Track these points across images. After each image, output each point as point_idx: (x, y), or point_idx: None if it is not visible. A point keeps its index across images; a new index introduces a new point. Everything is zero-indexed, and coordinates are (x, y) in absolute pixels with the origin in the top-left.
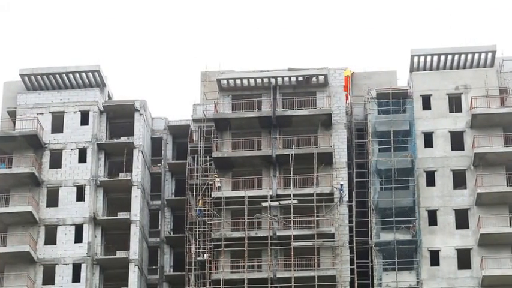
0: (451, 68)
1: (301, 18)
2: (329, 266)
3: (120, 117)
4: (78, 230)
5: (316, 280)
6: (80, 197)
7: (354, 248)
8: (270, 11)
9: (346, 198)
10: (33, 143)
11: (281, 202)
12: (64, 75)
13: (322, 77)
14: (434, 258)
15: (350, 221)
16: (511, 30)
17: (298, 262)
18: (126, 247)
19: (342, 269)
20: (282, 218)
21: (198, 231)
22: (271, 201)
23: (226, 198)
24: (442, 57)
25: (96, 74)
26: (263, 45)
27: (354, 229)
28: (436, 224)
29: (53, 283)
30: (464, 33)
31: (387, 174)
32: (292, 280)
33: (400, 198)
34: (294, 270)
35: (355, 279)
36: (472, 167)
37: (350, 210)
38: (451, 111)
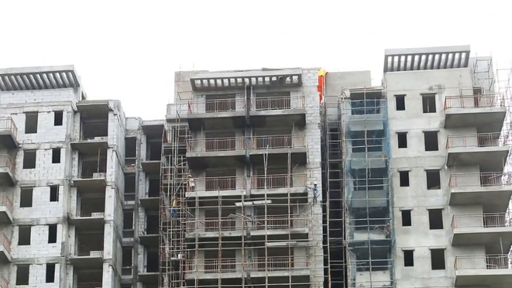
0: (425, 68)
1: (275, 19)
2: (303, 266)
3: (94, 117)
4: (52, 230)
5: (290, 280)
6: (54, 197)
7: (328, 248)
8: (243, 11)
9: (320, 198)
10: (7, 143)
11: (255, 202)
12: (38, 75)
13: (296, 77)
14: (408, 258)
15: (324, 221)
16: (484, 30)
17: (272, 262)
18: (100, 247)
19: (316, 269)
20: (256, 218)
21: (172, 231)
22: (245, 201)
23: (200, 198)
24: (416, 57)
25: (70, 74)
26: (237, 45)
27: (328, 229)
28: (410, 224)
29: (26, 283)
30: (438, 34)
31: (361, 174)
32: (266, 280)
33: (374, 198)
34: (268, 270)
35: (329, 279)
36: (445, 167)
37: (324, 210)
38: (424, 111)
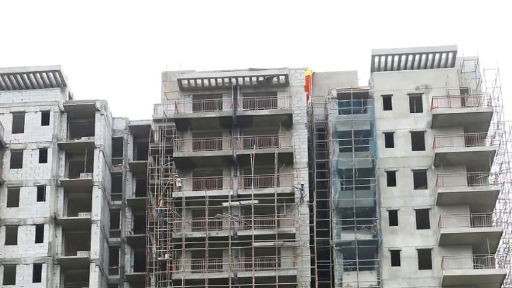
0: (412, 68)
1: (261, 18)
2: (290, 266)
3: (81, 117)
4: (39, 230)
5: (277, 280)
6: (41, 197)
7: (315, 248)
8: (230, 11)
9: (307, 198)
10: None
11: (242, 202)
12: (25, 75)
13: (283, 77)
14: (395, 258)
15: (311, 221)
16: (471, 30)
17: (259, 262)
18: (86, 247)
19: (303, 269)
20: (243, 218)
21: (159, 231)
22: (232, 201)
23: (187, 198)
24: (403, 58)
25: (56, 74)
26: (224, 45)
27: (315, 229)
28: (396, 224)
29: (13, 283)
30: (425, 34)
31: (348, 174)
32: (253, 280)
33: (360, 198)
34: (255, 270)
35: (316, 279)
36: (432, 167)
37: (311, 210)
38: (411, 111)
